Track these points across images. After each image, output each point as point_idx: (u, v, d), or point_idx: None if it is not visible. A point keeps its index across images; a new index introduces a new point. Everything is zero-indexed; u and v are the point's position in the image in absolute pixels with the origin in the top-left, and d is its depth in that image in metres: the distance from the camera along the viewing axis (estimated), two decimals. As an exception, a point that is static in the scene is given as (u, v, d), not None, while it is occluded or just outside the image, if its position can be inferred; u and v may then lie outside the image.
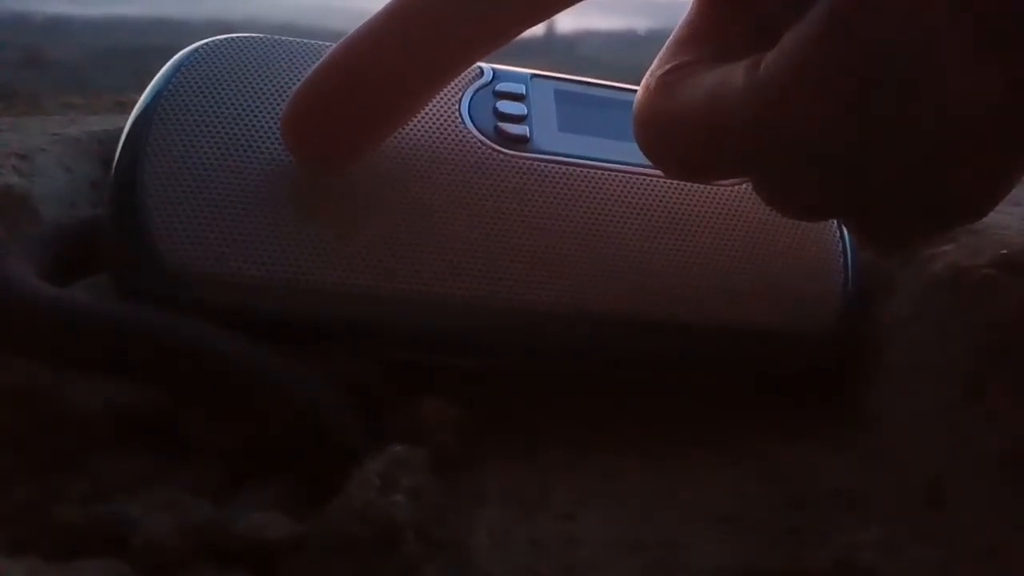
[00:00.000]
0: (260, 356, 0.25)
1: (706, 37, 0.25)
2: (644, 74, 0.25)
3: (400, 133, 0.31)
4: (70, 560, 0.21)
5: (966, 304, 0.29)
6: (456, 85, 0.33)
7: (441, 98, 0.33)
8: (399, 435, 0.26)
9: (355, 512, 0.23)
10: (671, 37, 0.26)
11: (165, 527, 0.22)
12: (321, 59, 0.27)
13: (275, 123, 0.30)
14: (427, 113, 0.32)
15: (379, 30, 0.26)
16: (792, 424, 0.32)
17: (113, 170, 0.29)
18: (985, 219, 0.23)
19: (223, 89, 0.31)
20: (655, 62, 0.26)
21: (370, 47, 0.26)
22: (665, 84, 0.24)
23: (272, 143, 0.30)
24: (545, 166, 0.32)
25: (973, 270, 0.30)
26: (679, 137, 0.23)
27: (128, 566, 0.21)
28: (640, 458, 0.29)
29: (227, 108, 0.30)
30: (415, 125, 0.31)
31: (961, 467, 0.26)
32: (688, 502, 0.27)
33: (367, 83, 0.27)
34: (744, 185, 0.33)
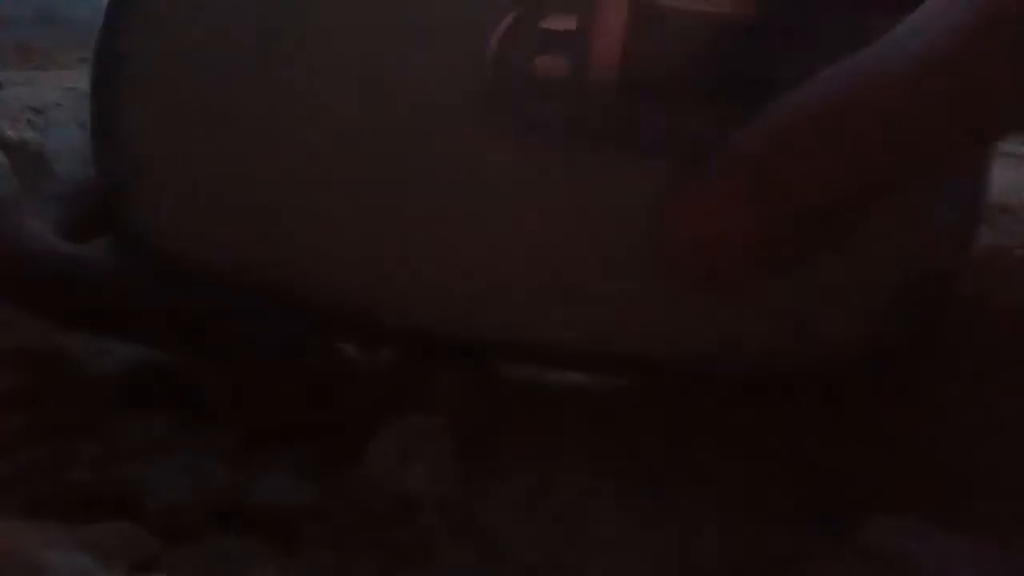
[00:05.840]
0: (280, 326, 0.25)
1: None
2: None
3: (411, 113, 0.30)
4: (85, 523, 0.21)
5: (999, 287, 0.28)
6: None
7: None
8: (418, 405, 0.26)
9: (372, 482, 0.23)
10: None
11: (182, 493, 0.22)
12: None
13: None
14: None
15: None
16: (823, 412, 0.31)
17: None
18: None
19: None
20: None
21: None
22: None
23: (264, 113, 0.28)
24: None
25: (1006, 251, 0.29)
26: None
27: (144, 529, 0.21)
28: (661, 438, 0.29)
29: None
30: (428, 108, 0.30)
31: (992, 456, 0.26)
32: (717, 483, 0.27)
33: None
34: None
